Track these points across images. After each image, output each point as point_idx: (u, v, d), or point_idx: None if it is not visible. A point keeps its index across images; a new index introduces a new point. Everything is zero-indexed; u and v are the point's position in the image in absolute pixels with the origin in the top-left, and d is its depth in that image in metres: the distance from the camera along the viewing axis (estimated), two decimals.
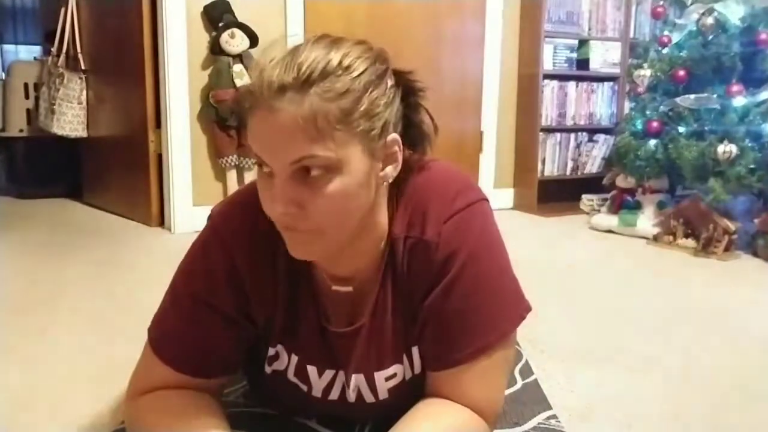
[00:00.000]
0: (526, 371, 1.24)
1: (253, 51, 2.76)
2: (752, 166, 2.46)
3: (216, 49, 2.71)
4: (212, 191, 2.85)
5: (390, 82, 0.74)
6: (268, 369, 0.89)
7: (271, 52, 0.69)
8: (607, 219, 2.97)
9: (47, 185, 3.69)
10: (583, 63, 3.48)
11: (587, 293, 1.99)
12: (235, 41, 2.70)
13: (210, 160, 2.85)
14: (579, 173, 3.59)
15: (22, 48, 6.94)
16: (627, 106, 3.35)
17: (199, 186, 2.84)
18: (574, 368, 1.37)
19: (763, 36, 2.59)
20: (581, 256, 2.56)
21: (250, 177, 2.84)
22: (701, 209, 2.54)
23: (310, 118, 0.66)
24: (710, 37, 2.70)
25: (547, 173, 3.50)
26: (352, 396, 0.88)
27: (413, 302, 0.82)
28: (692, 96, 2.68)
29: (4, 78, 3.95)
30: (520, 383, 1.18)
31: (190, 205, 2.82)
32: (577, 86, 3.50)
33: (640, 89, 2.95)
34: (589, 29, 3.50)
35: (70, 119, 3.17)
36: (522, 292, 0.86)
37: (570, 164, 3.57)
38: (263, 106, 0.67)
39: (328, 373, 0.87)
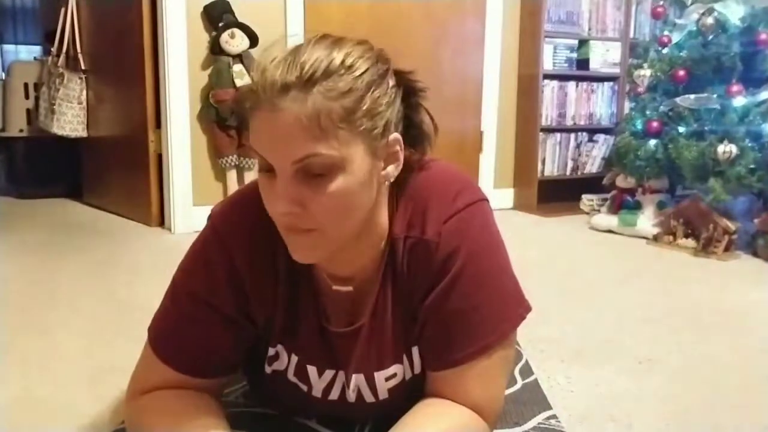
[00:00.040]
0: (526, 371, 1.24)
1: (253, 51, 2.76)
2: (752, 166, 2.46)
3: (216, 49, 2.71)
4: (212, 191, 2.85)
5: (391, 81, 0.74)
6: (268, 369, 0.89)
7: (273, 51, 0.69)
8: (607, 219, 2.97)
9: (47, 185, 3.69)
10: (583, 63, 3.48)
11: (587, 293, 1.99)
12: (235, 41, 2.70)
13: (210, 160, 2.85)
14: (579, 173, 3.59)
15: (22, 48, 6.95)
16: (627, 106, 3.35)
17: (199, 186, 2.84)
18: (574, 368, 1.37)
19: (763, 36, 2.59)
20: (581, 256, 2.56)
21: (250, 177, 2.84)
22: (701, 209, 2.54)
23: (313, 116, 0.66)
24: (710, 37, 2.70)
25: (547, 173, 3.50)
26: (352, 396, 0.88)
27: (413, 302, 0.82)
28: (692, 96, 2.68)
29: (4, 78, 3.96)
30: (520, 383, 1.18)
31: (190, 205, 2.82)
32: (577, 86, 3.50)
33: (640, 89, 2.95)
34: (589, 29, 3.50)
35: (70, 119, 3.17)
36: (522, 292, 0.86)
37: (570, 164, 3.57)
38: (266, 106, 0.67)
39: (328, 373, 0.87)
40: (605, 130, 3.57)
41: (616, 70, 3.55)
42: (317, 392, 0.89)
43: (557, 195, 3.51)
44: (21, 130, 3.61)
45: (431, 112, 0.82)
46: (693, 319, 1.75)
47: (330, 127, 0.67)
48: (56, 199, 3.61)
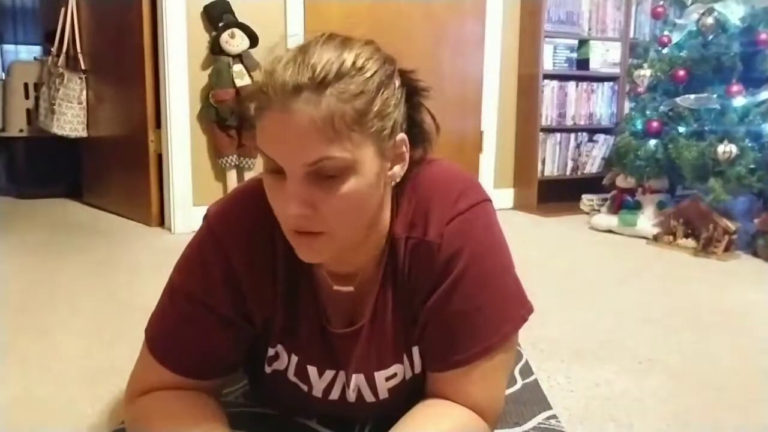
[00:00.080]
0: (526, 371, 1.24)
1: (253, 51, 2.76)
2: (752, 166, 2.46)
3: (216, 49, 2.71)
4: (212, 191, 2.85)
5: (397, 82, 0.74)
6: (268, 369, 0.89)
7: (278, 52, 0.69)
8: (607, 219, 2.97)
9: (47, 185, 3.69)
10: (583, 63, 3.49)
11: (587, 293, 1.99)
12: (235, 41, 2.70)
13: (210, 160, 2.85)
14: (579, 173, 3.59)
15: (22, 48, 6.95)
16: (627, 106, 3.35)
17: (199, 186, 2.84)
18: (574, 368, 1.37)
19: (763, 36, 2.59)
20: (581, 256, 2.56)
21: (250, 177, 2.84)
22: (701, 209, 2.54)
23: (327, 119, 0.65)
24: (710, 37, 2.70)
25: (547, 173, 3.50)
26: (352, 396, 0.88)
27: (414, 303, 0.82)
28: (692, 96, 2.68)
29: (4, 78, 3.95)
30: (520, 383, 1.18)
31: (190, 205, 2.82)
32: (577, 86, 3.50)
33: (640, 89, 2.95)
34: (589, 29, 3.50)
35: (70, 119, 3.17)
36: (524, 294, 0.85)
37: (570, 164, 3.57)
38: (277, 107, 0.66)
39: (329, 374, 0.87)
40: (605, 130, 3.57)
41: (616, 70, 3.55)
42: (317, 392, 0.88)
43: (557, 195, 3.51)
44: (21, 130, 3.61)
45: (432, 111, 0.82)
46: (693, 319, 1.75)
47: (343, 130, 0.66)
48: (56, 199, 3.61)
